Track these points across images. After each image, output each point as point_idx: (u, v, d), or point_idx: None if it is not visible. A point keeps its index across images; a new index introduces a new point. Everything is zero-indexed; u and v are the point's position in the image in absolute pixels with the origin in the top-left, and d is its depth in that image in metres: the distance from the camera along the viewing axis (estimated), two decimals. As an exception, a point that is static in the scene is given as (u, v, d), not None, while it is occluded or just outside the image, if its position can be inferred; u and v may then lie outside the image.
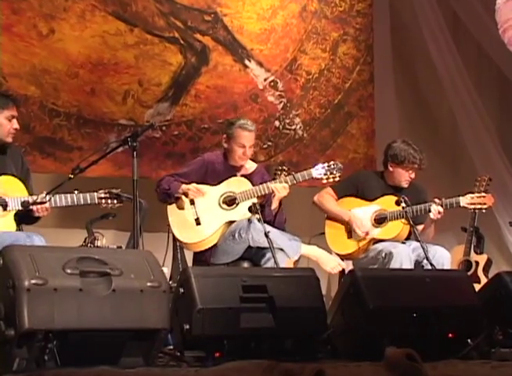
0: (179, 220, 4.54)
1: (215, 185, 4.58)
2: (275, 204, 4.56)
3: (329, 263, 4.53)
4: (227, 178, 4.60)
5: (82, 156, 5.34)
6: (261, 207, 4.52)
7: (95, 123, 5.96)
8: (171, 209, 4.59)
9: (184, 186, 4.52)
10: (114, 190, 4.19)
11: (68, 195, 4.05)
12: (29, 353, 2.81)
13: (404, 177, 4.83)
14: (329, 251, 4.81)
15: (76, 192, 4.08)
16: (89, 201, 4.11)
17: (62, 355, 2.84)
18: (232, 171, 4.63)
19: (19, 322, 2.77)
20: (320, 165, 4.58)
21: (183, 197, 4.54)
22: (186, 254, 4.79)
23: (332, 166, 4.57)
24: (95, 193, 4.14)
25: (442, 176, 6.64)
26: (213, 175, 4.60)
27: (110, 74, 6.01)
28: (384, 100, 6.81)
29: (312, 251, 4.56)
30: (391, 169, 4.85)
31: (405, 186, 4.84)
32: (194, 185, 4.52)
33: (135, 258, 3.16)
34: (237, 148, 4.58)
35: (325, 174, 4.56)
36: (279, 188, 4.46)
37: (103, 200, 4.16)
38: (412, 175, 4.83)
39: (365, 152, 6.78)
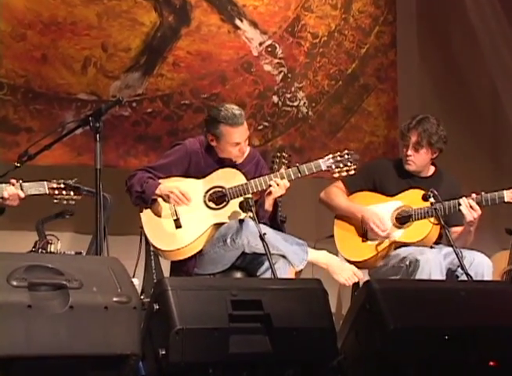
0: (155, 222, 4.53)
1: (200, 178, 4.58)
2: (267, 204, 4.53)
3: (343, 272, 4.53)
4: (215, 170, 4.60)
5: (32, 139, 5.34)
6: (255, 205, 4.53)
7: (48, 98, 5.95)
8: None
9: (163, 188, 4.46)
10: (70, 181, 4.20)
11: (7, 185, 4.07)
12: (-35, 386, 2.82)
13: (404, 156, 4.87)
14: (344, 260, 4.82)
15: (20, 181, 4.09)
16: (37, 191, 4.12)
17: (6, 387, 2.84)
18: (219, 162, 4.61)
19: (-47, 347, 2.77)
20: (331, 155, 4.57)
21: (160, 199, 4.51)
22: (162, 262, 4.80)
23: (346, 156, 4.57)
24: (45, 182, 4.14)
25: (481, 166, 6.66)
26: (197, 168, 4.57)
27: (67, 36, 6.00)
28: (409, 70, 6.82)
29: (322, 257, 4.56)
30: None
31: (409, 168, 4.85)
32: (177, 186, 4.47)
33: (97, 266, 3.17)
34: (231, 148, 4.55)
35: (337, 166, 4.55)
36: (280, 184, 4.45)
37: (56, 191, 4.18)
38: (410, 153, 4.84)
39: (385, 134, 6.80)
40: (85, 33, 6.05)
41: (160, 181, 4.50)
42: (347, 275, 4.52)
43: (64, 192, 4.21)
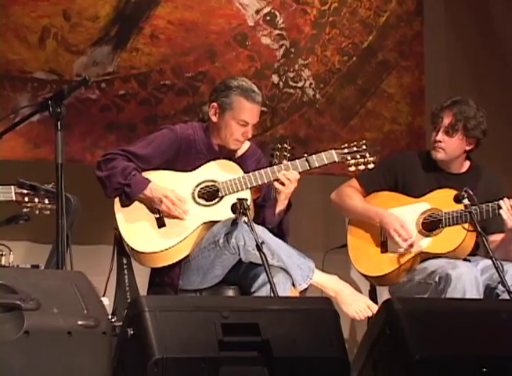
0: (133, 220, 4.56)
1: (189, 171, 4.61)
2: (281, 206, 4.56)
3: (354, 303, 4.53)
4: (207, 162, 4.62)
5: (-22, 127, 5.35)
6: (256, 208, 4.57)
7: (-2, 77, 5.97)
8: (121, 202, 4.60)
9: (154, 188, 4.48)
10: (46, 186, 4.20)
11: None
12: None
13: (432, 142, 4.89)
14: (358, 289, 4.82)
15: None
16: (1, 197, 4.14)
17: None
18: (215, 153, 4.65)
19: None
20: (346, 145, 4.62)
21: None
22: (138, 277, 4.80)
23: (363, 146, 4.60)
24: (12, 187, 4.15)
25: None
26: (187, 158, 4.62)
27: (20, 1, 6.01)
28: (439, 43, 6.83)
29: (330, 282, 4.57)
30: None
31: (437, 156, 4.86)
32: (173, 189, 4.50)
33: (59, 283, 3.17)
34: (235, 126, 4.59)
35: (352, 156, 4.58)
36: (290, 178, 4.48)
37: (26, 198, 4.18)
38: (439, 137, 4.84)
39: (409, 122, 6.81)
40: (44, -2, 6.06)
41: (149, 176, 4.53)
42: (359, 307, 4.52)
43: (36, 199, 4.22)
